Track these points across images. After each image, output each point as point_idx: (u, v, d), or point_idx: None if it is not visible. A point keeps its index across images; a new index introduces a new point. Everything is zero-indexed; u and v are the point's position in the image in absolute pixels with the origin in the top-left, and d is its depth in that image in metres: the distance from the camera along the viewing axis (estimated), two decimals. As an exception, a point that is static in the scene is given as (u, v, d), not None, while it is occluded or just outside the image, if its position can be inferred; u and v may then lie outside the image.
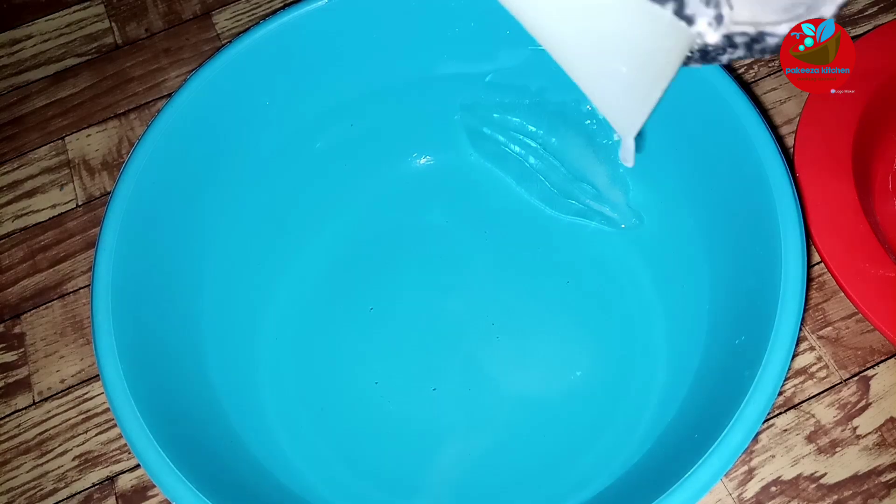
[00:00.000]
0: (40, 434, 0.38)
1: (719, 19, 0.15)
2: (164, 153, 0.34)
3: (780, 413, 0.35)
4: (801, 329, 0.31)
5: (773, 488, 0.34)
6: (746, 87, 0.43)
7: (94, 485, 0.37)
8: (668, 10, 0.14)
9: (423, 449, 0.36)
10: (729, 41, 0.16)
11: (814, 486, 0.34)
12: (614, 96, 0.21)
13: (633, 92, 0.20)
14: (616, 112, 0.22)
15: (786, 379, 0.36)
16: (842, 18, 0.45)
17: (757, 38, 0.16)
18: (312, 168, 0.41)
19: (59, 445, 0.38)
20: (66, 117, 0.47)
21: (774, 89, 0.43)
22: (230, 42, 0.36)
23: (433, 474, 0.36)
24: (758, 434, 0.34)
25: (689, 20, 0.15)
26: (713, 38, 0.15)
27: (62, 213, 0.44)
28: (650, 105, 0.21)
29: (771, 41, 0.16)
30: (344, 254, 0.41)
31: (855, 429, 0.35)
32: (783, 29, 0.16)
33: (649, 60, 0.18)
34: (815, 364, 0.36)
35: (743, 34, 0.16)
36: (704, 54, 0.17)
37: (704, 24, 0.15)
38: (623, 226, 0.39)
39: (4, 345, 0.41)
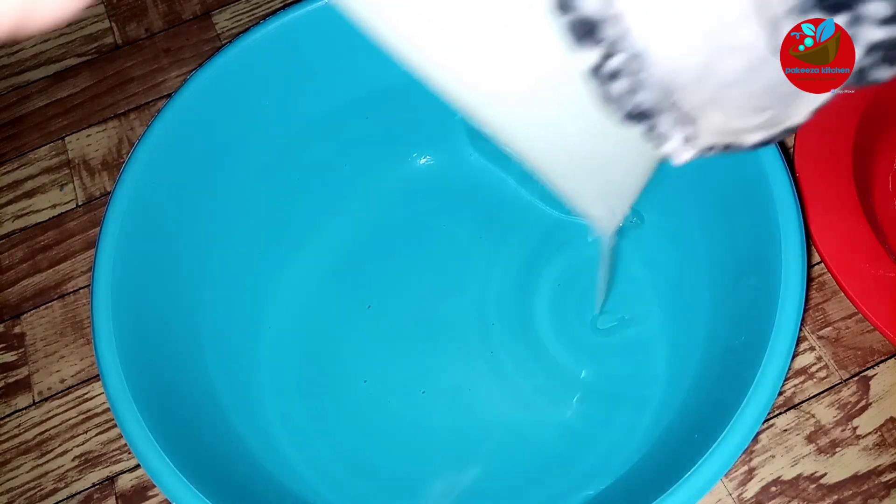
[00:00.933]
0: (40, 434, 0.38)
1: (691, 137, 0.15)
2: (164, 153, 0.34)
3: (780, 413, 0.35)
4: (801, 329, 0.30)
5: (773, 488, 0.34)
6: (746, 87, 0.43)
7: (94, 485, 0.37)
8: (639, 130, 0.14)
9: (423, 449, 0.36)
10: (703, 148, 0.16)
11: (814, 486, 0.34)
12: (591, 201, 0.21)
13: (609, 197, 0.21)
14: (593, 213, 0.22)
15: (786, 379, 0.36)
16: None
17: (729, 146, 0.16)
18: (312, 168, 0.41)
19: (59, 445, 0.38)
20: (66, 117, 0.47)
21: (774, 89, 0.43)
22: (230, 42, 0.36)
23: (433, 474, 0.36)
24: (758, 434, 0.34)
25: (661, 139, 0.15)
26: (685, 156, 0.15)
27: (62, 213, 0.44)
28: (626, 206, 0.21)
29: (743, 147, 0.17)
30: (344, 254, 0.41)
31: (855, 429, 0.35)
32: (752, 139, 0.16)
33: (624, 170, 0.19)
34: (815, 364, 0.36)
35: (715, 145, 0.16)
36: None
37: (677, 143, 0.15)
38: (623, 225, 0.39)
39: (4, 345, 0.41)
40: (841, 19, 0.13)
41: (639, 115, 0.14)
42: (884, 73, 0.13)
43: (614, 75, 0.13)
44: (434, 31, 0.14)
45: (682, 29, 0.13)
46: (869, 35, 0.13)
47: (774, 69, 0.14)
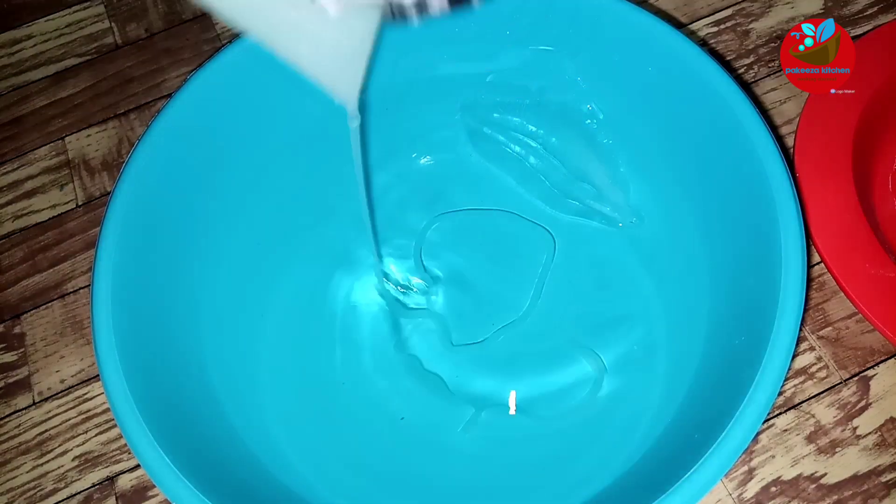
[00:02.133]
0: (40, 434, 0.38)
1: None
2: (164, 153, 0.34)
3: (780, 413, 0.35)
4: (801, 329, 0.31)
5: (773, 488, 0.34)
6: (746, 88, 0.43)
7: (94, 485, 0.37)
8: None
9: (424, 449, 0.36)
10: (393, 8, 0.20)
11: (814, 486, 0.34)
12: (316, 71, 0.25)
13: (341, 62, 0.24)
14: (326, 83, 0.25)
15: (786, 379, 0.36)
16: (842, 18, 0.45)
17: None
18: (312, 168, 0.41)
19: (59, 445, 0.38)
20: (66, 117, 0.47)
21: (774, 89, 0.43)
22: (230, 42, 0.36)
23: (433, 474, 0.36)
24: (758, 434, 0.34)
25: None
26: (334, 9, 0.18)
27: (62, 213, 0.44)
28: (354, 75, 0.25)
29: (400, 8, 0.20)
30: (344, 253, 0.41)
31: (855, 429, 0.35)
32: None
33: (329, 36, 0.22)
34: (815, 364, 0.36)
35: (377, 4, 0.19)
36: (398, 14, 0.20)
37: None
38: (623, 225, 0.39)
39: (4, 345, 0.41)
40: None
41: None
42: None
43: None
44: None
45: None
46: None
47: None
